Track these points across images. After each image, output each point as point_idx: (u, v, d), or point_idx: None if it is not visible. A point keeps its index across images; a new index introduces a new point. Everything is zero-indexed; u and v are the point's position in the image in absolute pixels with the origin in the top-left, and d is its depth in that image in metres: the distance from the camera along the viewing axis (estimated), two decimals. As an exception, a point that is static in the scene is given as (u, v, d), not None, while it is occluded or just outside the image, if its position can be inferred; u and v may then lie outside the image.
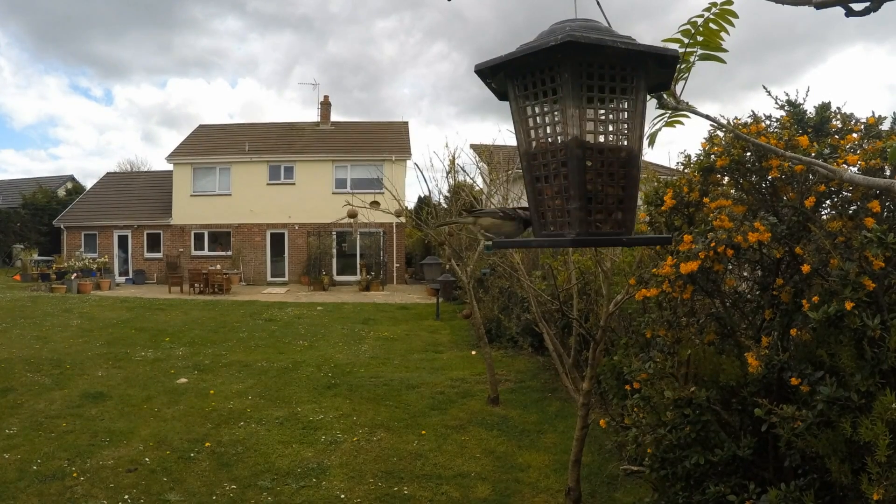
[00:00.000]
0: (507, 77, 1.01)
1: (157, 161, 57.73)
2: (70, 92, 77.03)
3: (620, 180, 0.99)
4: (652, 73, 1.01)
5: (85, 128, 77.73)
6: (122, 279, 21.32)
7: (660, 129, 1.16)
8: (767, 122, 3.00)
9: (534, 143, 1.02)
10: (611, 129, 0.99)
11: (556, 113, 0.97)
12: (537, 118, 1.01)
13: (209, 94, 76.41)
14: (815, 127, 2.95)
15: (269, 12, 73.99)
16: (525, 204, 1.14)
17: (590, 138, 0.96)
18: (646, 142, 1.08)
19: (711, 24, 1.05)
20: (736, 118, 3.03)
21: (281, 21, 74.96)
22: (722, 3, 1.03)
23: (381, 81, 71.33)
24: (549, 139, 0.99)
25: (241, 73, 76.61)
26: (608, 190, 0.98)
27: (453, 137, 24.93)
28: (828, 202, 2.66)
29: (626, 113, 0.99)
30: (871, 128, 2.78)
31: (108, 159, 77.24)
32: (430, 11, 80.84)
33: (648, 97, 1.05)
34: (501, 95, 1.07)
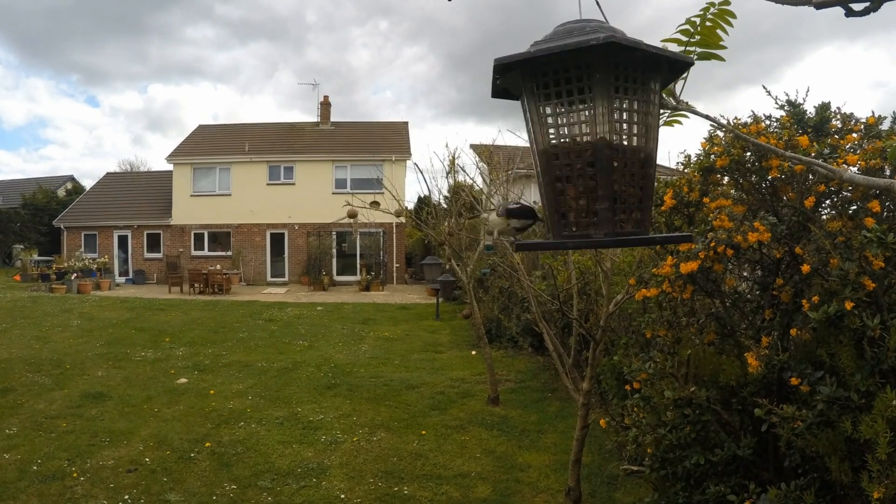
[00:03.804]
0: (523, 75, 1.00)
1: (155, 161, 58.59)
2: (59, 94, 78.31)
3: (640, 180, 1.00)
4: (664, 76, 1.02)
5: (75, 130, 78.98)
6: (122, 279, 21.32)
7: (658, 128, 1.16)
8: (767, 122, 3.00)
9: (553, 142, 1.02)
10: (631, 130, 1.00)
11: (582, 112, 0.97)
12: (559, 117, 1.00)
13: (192, 99, 77.87)
14: (815, 127, 2.95)
15: (243, 20, 75.44)
16: (522, 201, 1.14)
17: (615, 139, 0.97)
18: None
19: (708, 23, 1.05)
20: (736, 118, 3.04)
21: (256, 28, 76.18)
22: (720, 3, 1.03)
23: (358, 86, 72.63)
24: (576, 139, 0.99)
25: (220, 79, 77.96)
26: (629, 190, 0.99)
27: (453, 138, 24.99)
28: (828, 202, 2.66)
29: (644, 115, 1.00)
30: (871, 128, 2.78)
31: (100, 160, 78.08)
32: (404, 19, 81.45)
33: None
34: (501, 93, 1.06)
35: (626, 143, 0.98)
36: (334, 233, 20.98)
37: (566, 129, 1.00)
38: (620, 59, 0.92)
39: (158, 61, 71.53)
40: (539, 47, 0.94)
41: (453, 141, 32.49)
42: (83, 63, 72.81)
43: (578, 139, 0.98)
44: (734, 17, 1.04)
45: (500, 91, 1.06)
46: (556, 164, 1.01)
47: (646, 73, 0.97)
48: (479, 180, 8.84)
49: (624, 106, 0.97)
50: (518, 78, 1.01)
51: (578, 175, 0.98)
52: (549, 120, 1.01)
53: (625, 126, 0.98)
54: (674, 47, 1.07)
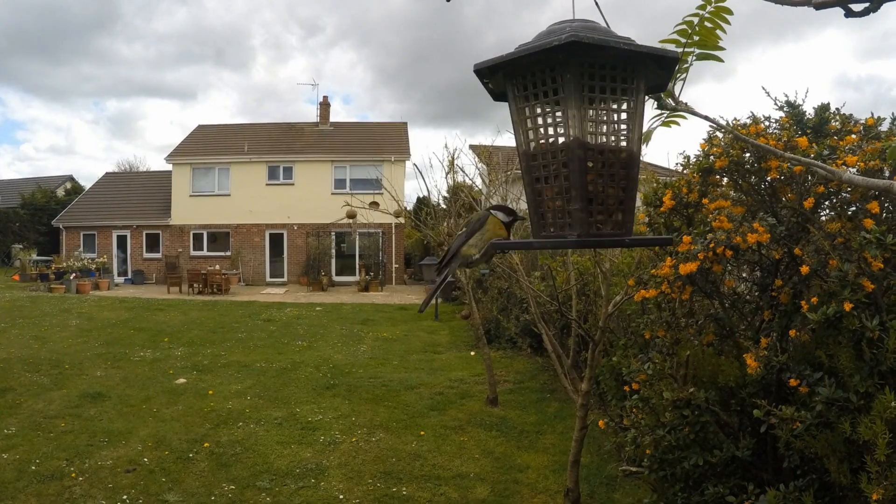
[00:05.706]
0: (506, 77, 1.00)
1: (154, 161, 59.07)
2: (29, 101, 79.77)
3: (621, 181, 0.99)
4: (651, 74, 1.01)
5: (46, 133, 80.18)
6: (121, 279, 21.31)
7: (655, 128, 1.16)
8: (766, 123, 3.00)
9: (533, 144, 1.02)
10: (611, 129, 0.99)
11: (557, 113, 0.97)
12: (537, 119, 1.01)
13: (147, 111, 79.61)
14: (815, 128, 2.95)
15: (181, 35, 76.75)
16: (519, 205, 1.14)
17: (591, 139, 0.96)
18: None
19: (707, 24, 1.04)
20: (735, 119, 3.03)
21: (195, 51, 77.52)
22: (717, 1, 1.03)
23: (300, 100, 73.95)
24: (550, 140, 0.99)
25: (172, 94, 78.48)
26: (609, 191, 0.98)
27: (452, 139, 25.09)
28: (827, 203, 2.66)
29: (625, 114, 0.99)
30: (870, 129, 2.78)
31: (82, 162, 78.74)
32: (344, 36, 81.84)
33: (646, 98, 1.05)
34: (497, 96, 1.06)
35: (604, 143, 0.97)
36: (333, 233, 20.98)
37: (543, 129, 1.00)
38: (593, 57, 0.91)
39: (110, 80, 73.01)
40: (515, 50, 0.94)
41: (452, 142, 32.46)
42: (47, 84, 74.32)
43: (554, 140, 0.98)
44: (731, 13, 1.03)
45: (498, 94, 1.06)
46: (534, 164, 1.01)
47: (626, 71, 0.96)
48: (478, 181, 8.84)
49: (601, 105, 0.97)
50: (502, 80, 1.01)
51: (555, 176, 0.98)
52: (529, 122, 1.01)
53: (603, 126, 0.98)
54: (672, 48, 1.07)
